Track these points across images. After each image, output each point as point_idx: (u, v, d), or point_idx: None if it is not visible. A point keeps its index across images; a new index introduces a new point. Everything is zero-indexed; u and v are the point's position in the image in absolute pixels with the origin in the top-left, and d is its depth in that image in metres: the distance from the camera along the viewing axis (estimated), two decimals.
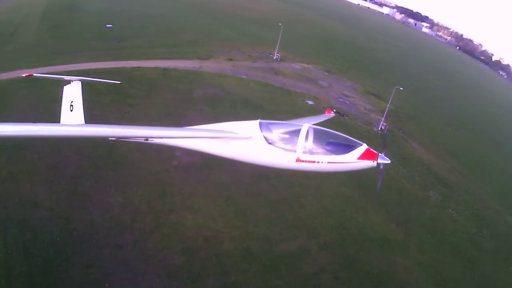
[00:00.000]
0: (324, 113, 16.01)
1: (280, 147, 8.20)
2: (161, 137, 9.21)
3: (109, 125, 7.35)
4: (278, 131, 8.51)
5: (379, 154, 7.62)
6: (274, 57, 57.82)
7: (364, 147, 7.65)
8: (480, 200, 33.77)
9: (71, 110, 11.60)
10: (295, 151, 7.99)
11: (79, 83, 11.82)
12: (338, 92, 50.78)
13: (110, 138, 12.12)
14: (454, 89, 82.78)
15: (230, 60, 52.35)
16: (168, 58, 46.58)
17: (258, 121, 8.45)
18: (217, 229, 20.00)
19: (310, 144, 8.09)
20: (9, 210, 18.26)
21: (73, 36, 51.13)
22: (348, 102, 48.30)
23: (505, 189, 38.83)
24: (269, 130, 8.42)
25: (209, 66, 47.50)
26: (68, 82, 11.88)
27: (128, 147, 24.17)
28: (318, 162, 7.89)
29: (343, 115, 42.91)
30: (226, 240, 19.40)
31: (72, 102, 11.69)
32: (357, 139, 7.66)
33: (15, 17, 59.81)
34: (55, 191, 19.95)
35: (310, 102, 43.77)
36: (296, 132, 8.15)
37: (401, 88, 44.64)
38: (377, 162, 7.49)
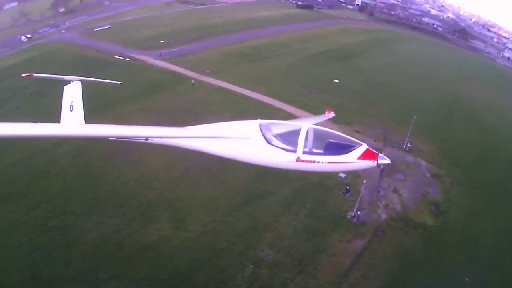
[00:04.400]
0: (324, 113, 15.91)
1: (280, 147, 8.16)
2: (161, 137, 9.36)
3: (109, 125, 7.36)
4: (278, 131, 8.53)
5: (379, 154, 7.73)
6: (403, 146, 48.03)
7: (364, 147, 7.75)
8: None
9: (71, 110, 11.85)
10: (295, 151, 7.98)
11: (79, 83, 12.25)
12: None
13: (110, 138, 12.09)
14: None
15: (357, 131, 48.48)
16: (306, 109, 51.30)
17: (258, 121, 8.57)
18: None
19: (310, 144, 8.07)
20: None
21: (289, 79, 66.00)
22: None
23: None
24: (269, 130, 8.44)
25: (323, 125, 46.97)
26: (68, 82, 12.19)
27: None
28: (318, 162, 7.90)
29: None
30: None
31: (72, 102, 11.94)
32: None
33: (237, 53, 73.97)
34: None
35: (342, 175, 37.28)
36: (296, 132, 8.12)
37: None
38: (377, 162, 7.62)
